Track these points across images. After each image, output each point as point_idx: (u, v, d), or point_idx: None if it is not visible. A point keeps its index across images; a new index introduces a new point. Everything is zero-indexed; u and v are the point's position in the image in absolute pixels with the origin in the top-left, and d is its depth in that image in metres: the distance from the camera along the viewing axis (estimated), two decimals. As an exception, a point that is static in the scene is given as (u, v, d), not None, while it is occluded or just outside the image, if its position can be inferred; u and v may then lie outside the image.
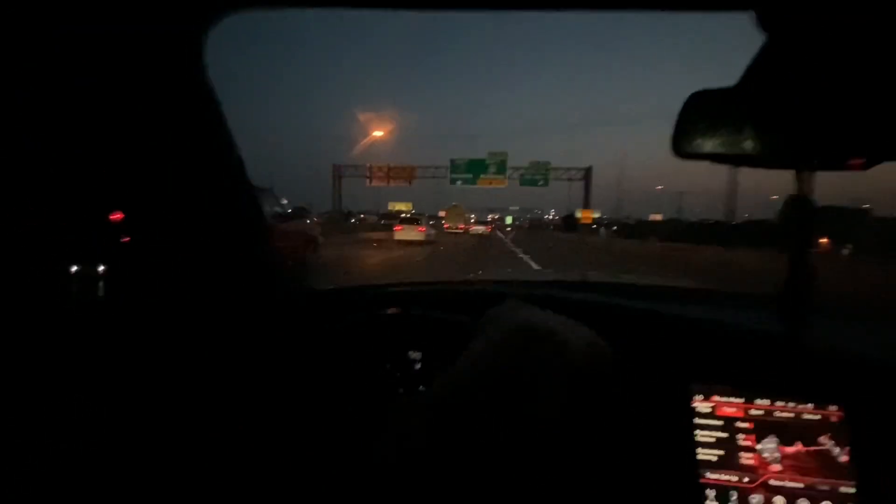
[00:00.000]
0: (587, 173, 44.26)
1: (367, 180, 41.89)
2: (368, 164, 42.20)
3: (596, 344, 0.33)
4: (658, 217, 74.18)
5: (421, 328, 0.74)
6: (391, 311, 0.77)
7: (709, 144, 0.55)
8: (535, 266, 10.48)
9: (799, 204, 0.59)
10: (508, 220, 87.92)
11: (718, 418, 0.62)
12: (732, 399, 0.62)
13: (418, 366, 0.74)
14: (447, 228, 40.97)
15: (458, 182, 38.47)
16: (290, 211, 8.56)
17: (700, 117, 0.53)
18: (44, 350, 0.53)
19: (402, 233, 19.79)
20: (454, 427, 0.27)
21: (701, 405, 0.62)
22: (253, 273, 0.74)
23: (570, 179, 43.85)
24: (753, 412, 0.61)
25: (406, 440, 0.27)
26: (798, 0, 0.41)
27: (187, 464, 0.60)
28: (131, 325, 0.60)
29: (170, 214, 0.61)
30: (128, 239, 0.59)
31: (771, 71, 0.49)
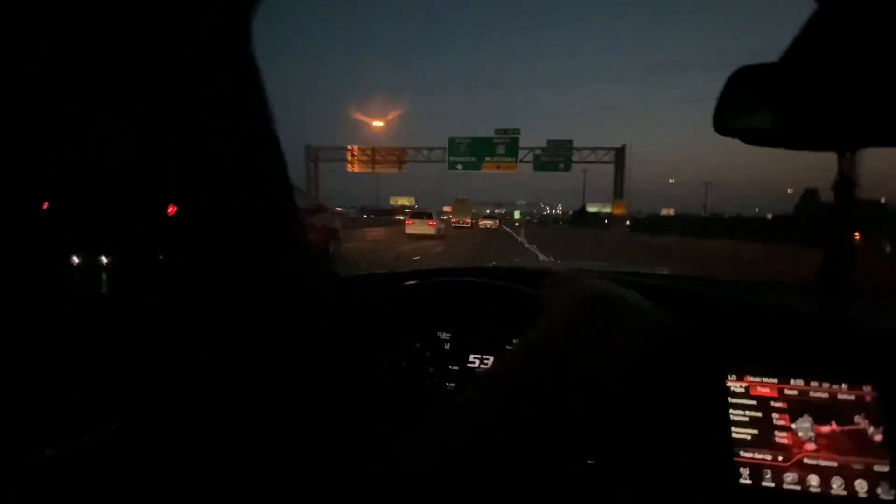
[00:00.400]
0: (619, 154, 35.04)
1: (349, 165, 34.70)
2: (349, 147, 35.04)
3: (663, 312, 0.34)
4: (670, 212, 71.51)
5: (451, 306, 0.75)
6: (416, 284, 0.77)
7: (752, 121, 0.54)
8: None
9: (841, 186, 0.58)
10: (517, 214, 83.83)
11: (752, 398, 0.62)
12: (766, 379, 0.62)
13: (448, 346, 0.74)
14: (454, 223, 39.71)
15: (459, 166, 31.82)
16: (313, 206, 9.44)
17: (744, 93, 0.52)
18: (83, 338, 0.54)
19: (414, 227, 20.92)
20: (533, 393, 0.27)
21: (735, 385, 0.62)
22: (289, 262, 0.75)
23: (597, 161, 35.14)
24: (788, 392, 0.61)
25: (478, 411, 0.27)
26: None
27: (213, 450, 0.61)
28: (170, 314, 0.60)
29: (217, 206, 0.62)
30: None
31: (820, 43, 0.48)
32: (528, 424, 0.26)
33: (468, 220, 40.68)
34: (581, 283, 0.35)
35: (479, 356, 0.73)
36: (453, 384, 0.72)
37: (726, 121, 0.54)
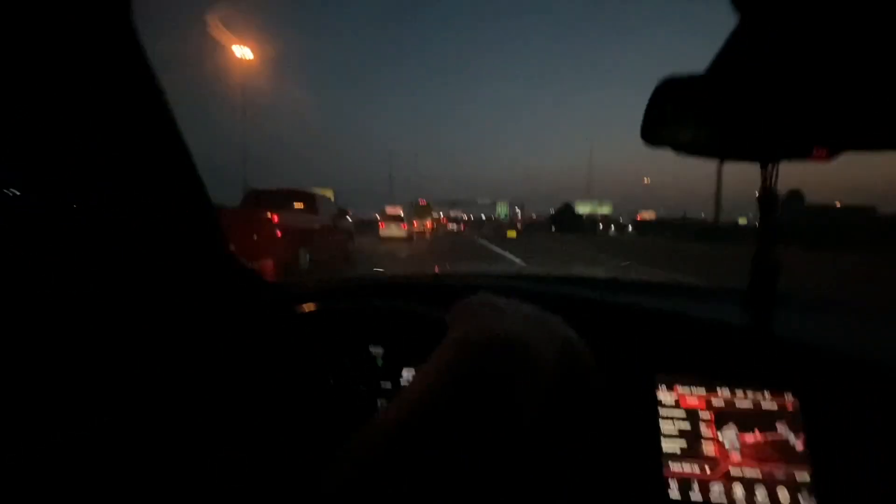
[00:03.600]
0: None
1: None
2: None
3: (570, 346, 0.30)
4: (648, 214, 62.30)
5: (382, 322, 0.71)
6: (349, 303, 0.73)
7: (678, 133, 0.54)
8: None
9: (765, 198, 0.59)
10: (502, 210, 69.59)
11: (681, 409, 0.62)
12: (694, 389, 0.62)
13: (380, 362, 0.70)
14: (416, 229, 38.78)
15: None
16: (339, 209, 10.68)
17: (669, 104, 0.51)
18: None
19: (387, 230, 21.92)
20: (421, 445, 0.24)
21: (665, 396, 0.62)
22: (195, 263, 0.69)
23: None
24: (714, 402, 0.62)
25: (366, 465, 0.23)
26: None
27: (144, 467, 0.55)
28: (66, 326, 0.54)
29: (115, 211, 0.56)
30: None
31: (741, 55, 0.47)
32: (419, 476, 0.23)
33: (428, 224, 38.39)
34: (483, 318, 0.31)
35: (413, 370, 0.69)
36: (384, 401, 0.69)
37: (654, 132, 0.53)
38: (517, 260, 11.71)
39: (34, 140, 0.48)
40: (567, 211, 56.18)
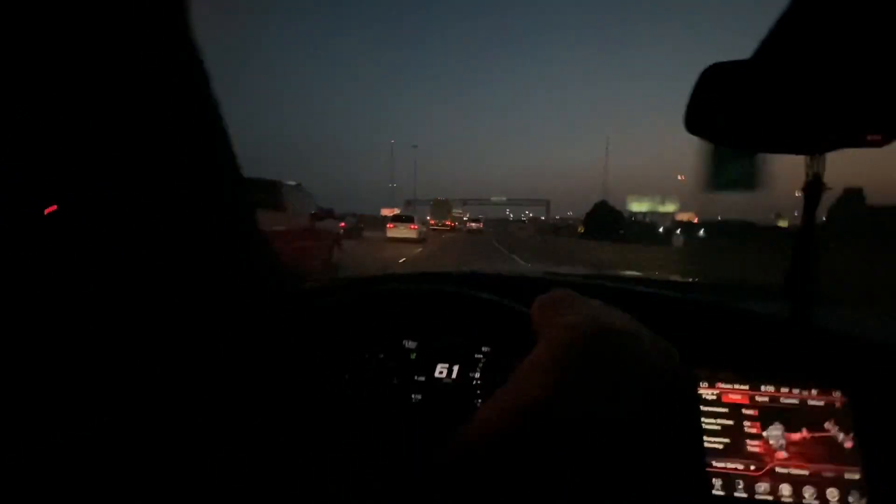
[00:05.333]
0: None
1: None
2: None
3: (670, 348, 0.30)
4: (687, 216, 50.02)
5: (419, 313, 0.71)
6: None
7: (723, 120, 0.53)
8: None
9: (811, 190, 0.57)
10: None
11: (724, 405, 0.60)
12: (737, 386, 0.61)
13: (414, 356, 0.70)
14: (433, 225, 37.61)
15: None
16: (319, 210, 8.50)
17: (715, 91, 0.50)
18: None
19: (395, 230, 19.72)
20: (557, 423, 0.23)
21: (706, 392, 0.61)
22: (237, 268, 0.70)
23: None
24: (759, 399, 0.60)
25: (504, 439, 0.23)
26: None
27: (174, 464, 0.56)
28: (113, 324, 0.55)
29: (146, 207, 0.57)
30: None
31: (790, 39, 0.46)
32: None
33: (448, 223, 38.59)
34: (583, 311, 0.30)
35: (447, 365, 0.69)
36: (419, 396, 0.68)
37: (698, 120, 0.52)
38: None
39: (70, 137, 0.49)
40: (603, 210, 41.69)
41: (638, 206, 55.47)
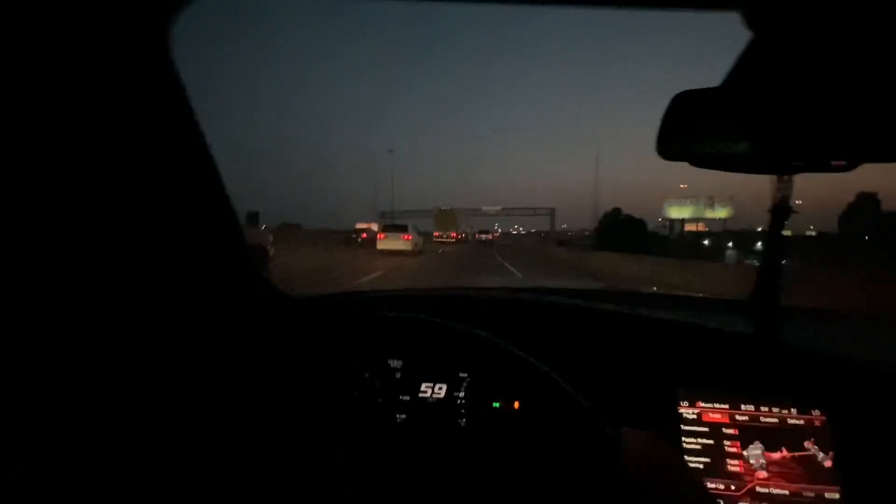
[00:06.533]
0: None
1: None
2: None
3: None
4: (697, 227, 44.49)
5: (401, 334, 0.71)
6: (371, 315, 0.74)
7: (693, 146, 0.54)
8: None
9: (779, 209, 0.58)
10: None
11: (704, 424, 0.61)
12: (717, 405, 0.61)
13: (399, 375, 0.71)
14: (437, 238, 35.13)
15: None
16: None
17: (684, 118, 0.52)
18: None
19: (386, 242, 17.45)
20: None
21: (687, 411, 0.61)
22: (221, 278, 0.71)
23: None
24: (738, 418, 0.60)
25: None
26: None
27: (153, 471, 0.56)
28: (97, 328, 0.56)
29: (135, 215, 0.58)
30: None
31: (756, 70, 0.48)
32: None
33: (453, 235, 36.45)
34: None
35: (431, 385, 0.70)
36: (404, 416, 0.69)
37: (669, 145, 0.53)
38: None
39: (61, 144, 0.50)
40: (616, 220, 33.41)
41: (678, 212, 44.85)
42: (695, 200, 44.64)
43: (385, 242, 17.36)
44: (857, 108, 0.46)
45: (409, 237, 17.40)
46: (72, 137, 0.50)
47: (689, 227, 44.65)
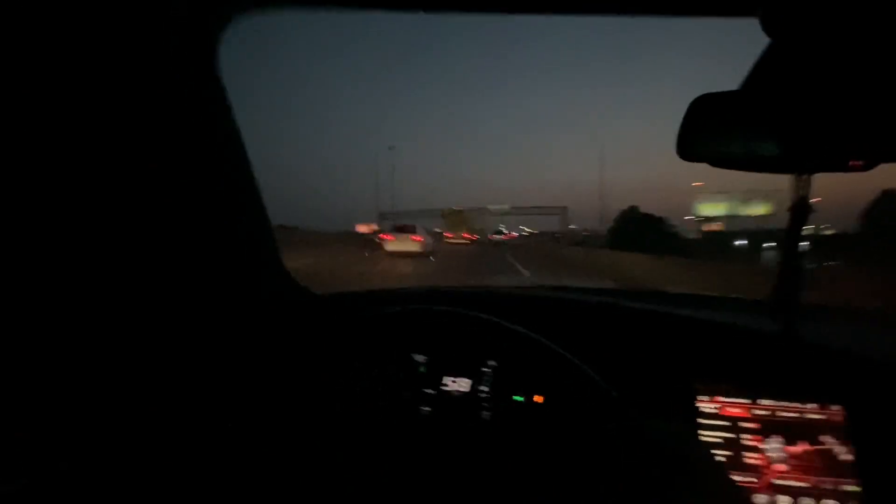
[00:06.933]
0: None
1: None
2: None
3: None
4: (716, 227, 39.50)
5: (425, 327, 0.74)
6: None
7: (713, 147, 0.56)
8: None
9: (798, 208, 0.60)
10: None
11: (723, 418, 0.62)
12: (736, 399, 0.63)
13: (423, 369, 0.73)
14: (448, 238, 33.58)
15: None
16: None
17: (704, 120, 0.54)
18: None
19: (395, 243, 16.13)
20: None
21: (705, 405, 0.63)
22: (255, 277, 0.74)
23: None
24: (758, 412, 0.62)
25: None
26: (803, 5, 0.42)
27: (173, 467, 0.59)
28: (122, 327, 0.59)
29: (176, 218, 0.61)
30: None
31: (775, 73, 0.50)
32: None
33: (466, 235, 35.13)
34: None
35: (455, 379, 0.72)
36: (428, 409, 0.71)
37: (689, 147, 0.55)
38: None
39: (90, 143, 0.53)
40: (634, 218, 30.60)
41: (712, 209, 40.27)
42: (729, 196, 40.15)
43: (394, 244, 16.22)
44: (875, 109, 0.48)
45: (420, 238, 16.42)
46: (118, 135, 0.54)
47: (707, 228, 39.94)
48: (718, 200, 41.06)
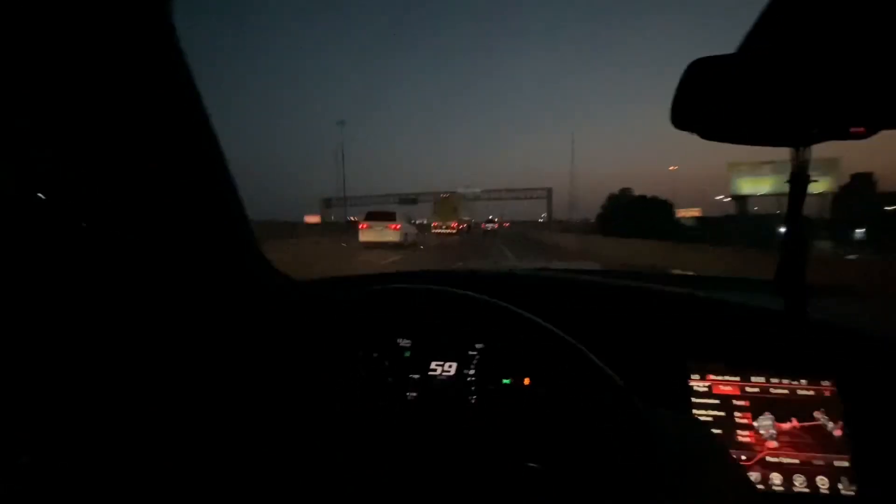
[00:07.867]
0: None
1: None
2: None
3: None
4: (692, 212, 39.73)
5: (410, 310, 0.71)
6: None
7: (709, 114, 0.53)
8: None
9: (797, 181, 0.58)
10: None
11: (715, 396, 0.61)
12: (728, 377, 0.61)
13: (408, 353, 0.71)
14: (435, 228, 32.27)
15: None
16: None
17: (701, 86, 0.51)
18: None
19: (370, 233, 14.67)
20: None
21: (698, 384, 0.61)
22: (231, 263, 0.70)
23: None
24: (749, 390, 0.61)
25: None
26: None
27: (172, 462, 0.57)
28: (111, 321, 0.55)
29: (148, 206, 0.57)
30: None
31: (774, 35, 0.47)
32: None
33: (454, 225, 33.14)
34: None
35: (441, 363, 0.70)
36: (414, 394, 0.69)
37: (684, 114, 0.52)
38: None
39: (67, 143, 0.49)
40: (623, 203, 27.22)
41: (754, 186, 31.79)
42: (774, 168, 29.59)
43: (368, 233, 14.68)
44: (877, 73, 0.45)
45: (398, 226, 14.79)
46: (80, 125, 0.49)
47: (682, 214, 33.28)
48: (763, 174, 31.39)
